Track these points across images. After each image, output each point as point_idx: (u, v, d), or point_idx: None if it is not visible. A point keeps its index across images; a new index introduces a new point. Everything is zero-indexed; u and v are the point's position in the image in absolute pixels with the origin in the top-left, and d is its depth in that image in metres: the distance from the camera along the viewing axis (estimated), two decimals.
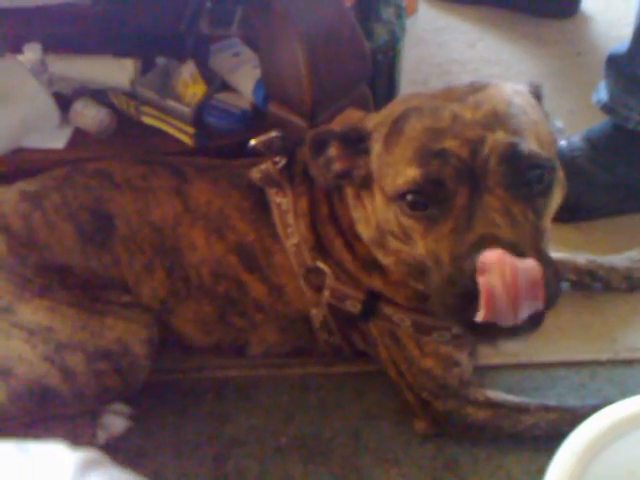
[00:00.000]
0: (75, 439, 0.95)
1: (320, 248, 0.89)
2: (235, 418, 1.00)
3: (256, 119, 1.15)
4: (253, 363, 1.04)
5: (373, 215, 0.82)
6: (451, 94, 0.75)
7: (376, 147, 0.78)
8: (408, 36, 1.52)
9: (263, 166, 0.92)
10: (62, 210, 0.93)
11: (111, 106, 1.17)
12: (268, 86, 1.10)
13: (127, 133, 1.16)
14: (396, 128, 0.74)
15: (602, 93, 1.19)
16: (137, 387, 0.93)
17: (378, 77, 1.15)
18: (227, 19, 1.27)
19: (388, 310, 0.89)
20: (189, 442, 0.98)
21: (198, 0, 1.18)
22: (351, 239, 0.88)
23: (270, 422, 1.00)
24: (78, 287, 0.91)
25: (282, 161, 0.92)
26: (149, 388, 0.97)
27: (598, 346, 1.06)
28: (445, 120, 0.71)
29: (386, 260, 0.86)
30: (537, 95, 0.82)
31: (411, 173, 0.70)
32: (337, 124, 0.92)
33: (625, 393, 0.87)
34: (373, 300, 0.89)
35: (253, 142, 0.93)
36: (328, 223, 0.89)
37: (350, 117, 0.92)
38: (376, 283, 0.88)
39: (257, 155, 0.94)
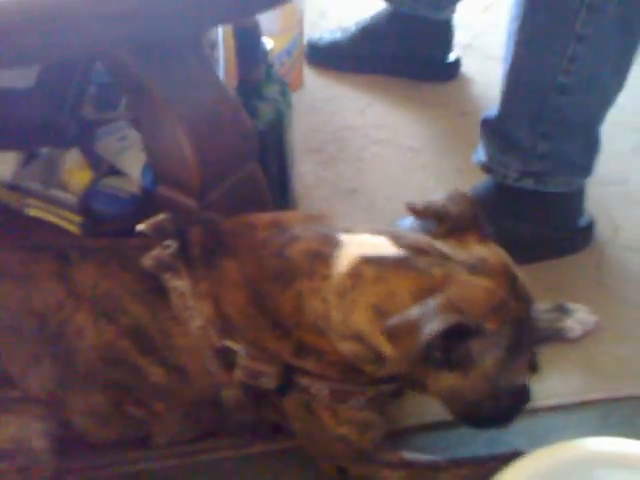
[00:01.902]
0: None
1: (229, 328, 0.88)
2: None
3: (146, 202, 1.13)
4: (164, 453, 1.00)
5: (445, 387, 0.85)
6: (505, 283, 0.82)
7: (497, 351, 0.81)
8: (300, 107, 1.56)
9: (154, 252, 0.91)
10: None
11: None
12: (155, 169, 1.09)
13: (10, 227, 1.12)
14: (518, 340, 0.82)
15: (480, 154, 1.25)
16: None
17: (267, 153, 1.17)
18: (113, 103, 1.27)
19: (305, 381, 0.88)
20: None
21: (79, 87, 1.17)
22: (289, 326, 0.87)
23: None
24: None
25: (173, 244, 0.91)
26: None
27: None
28: (530, 321, 0.85)
29: (347, 348, 0.86)
30: None
31: (530, 372, 0.89)
32: (227, 225, 0.93)
33: (533, 443, 0.91)
34: (289, 373, 0.88)
35: (141, 227, 0.92)
36: (246, 306, 0.88)
37: (258, 220, 0.93)
38: (307, 363, 0.88)
39: (147, 238, 0.92)
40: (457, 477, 0.93)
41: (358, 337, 0.85)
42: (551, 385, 1.09)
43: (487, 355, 0.81)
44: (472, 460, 0.95)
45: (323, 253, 0.87)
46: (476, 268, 0.82)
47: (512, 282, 0.83)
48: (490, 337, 0.80)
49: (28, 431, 0.87)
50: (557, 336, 1.13)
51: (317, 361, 0.88)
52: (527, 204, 1.22)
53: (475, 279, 0.81)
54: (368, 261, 0.84)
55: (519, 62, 1.14)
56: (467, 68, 1.73)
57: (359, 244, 0.87)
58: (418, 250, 0.84)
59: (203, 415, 0.96)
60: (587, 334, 1.14)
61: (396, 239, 0.85)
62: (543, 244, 1.23)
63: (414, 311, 0.78)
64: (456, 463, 0.94)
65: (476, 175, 1.30)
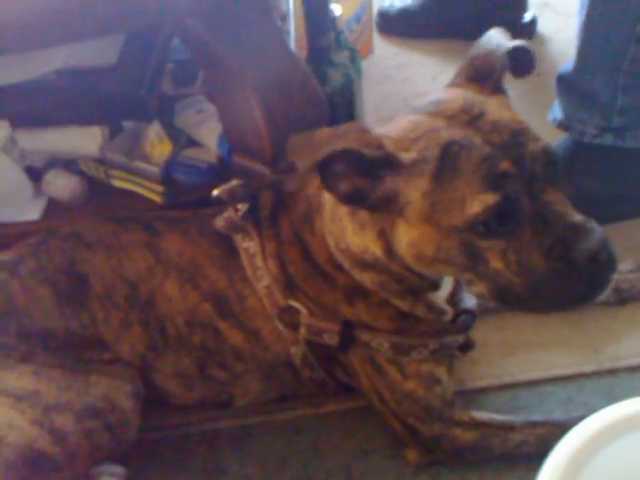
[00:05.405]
0: None
1: (292, 287, 0.91)
2: (229, 469, 1.01)
3: (223, 171, 1.18)
4: (243, 412, 1.04)
5: (406, 245, 0.79)
6: (459, 120, 0.77)
7: (419, 182, 0.75)
8: (372, 75, 1.56)
9: (226, 214, 0.95)
10: (38, 275, 0.95)
11: (82, 173, 1.20)
12: (230, 139, 1.13)
13: (98, 198, 1.19)
14: (447, 165, 0.74)
15: (556, 111, 1.22)
16: (128, 443, 0.94)
17: (338, 119, 1.18)
18: (190, 78, 1.32)
19: (365, 336, 0.90)
20: None
21: (158, 65, 1.22)
22: (331, 272, 0.90)
23: (264, 469, 1.00)
24: (60, 349, 0.93)
25: (244, 207, 0.95)
26: (141, 447, 0.98)
27: (581, 358, 1.06)
28: (486, 147, 0.75)
29: (368, 279, 0.87)
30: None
31: (489, 199, 0.73)
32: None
33: (611, 403, 0.87)
34: (349, 329, 0.90)
35: (216, 192, 0.96)
36: (301, 262, 0.91)
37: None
38: (359, 311, 0.90)
39: (222, 204, 0.96)
40: (531, 436, 0.93)
41: (360, 260, 0.85)
42: (632, 345, 1.06)
43: (410, 186, 0.76)
44: (548, 420, 0.94)
45: None
46: (419, 109, 0.80)
47: (470, 118, 0.77)
48: (409, 169, 0.75)
49: (117, 391, 0.92)
50: (639, 296, 1.10)
51: (367, 307, 0.89)
52: (606, 162, 1.18)
53: (412, 117, 0.79)
54: None
55: (595, 12, 1.09)
56: (544, 27, 1.68)
57: None
58: None
59: (279, 377, 1.00)
60: None
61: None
62: (623, 203, 1.19)
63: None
64: (531, 423, 0.94)
65: (554, 136, 1.26)
